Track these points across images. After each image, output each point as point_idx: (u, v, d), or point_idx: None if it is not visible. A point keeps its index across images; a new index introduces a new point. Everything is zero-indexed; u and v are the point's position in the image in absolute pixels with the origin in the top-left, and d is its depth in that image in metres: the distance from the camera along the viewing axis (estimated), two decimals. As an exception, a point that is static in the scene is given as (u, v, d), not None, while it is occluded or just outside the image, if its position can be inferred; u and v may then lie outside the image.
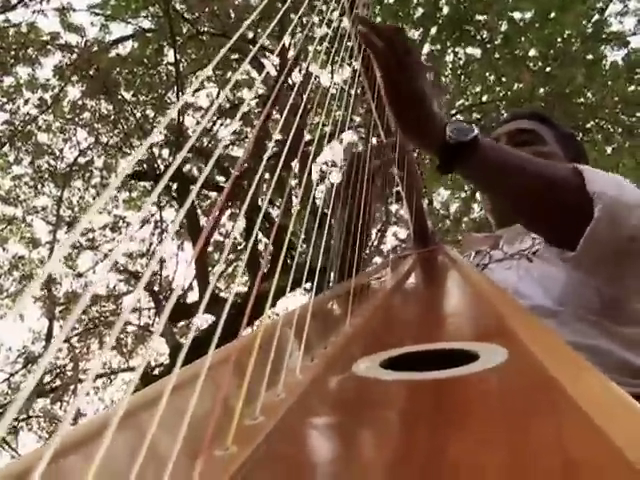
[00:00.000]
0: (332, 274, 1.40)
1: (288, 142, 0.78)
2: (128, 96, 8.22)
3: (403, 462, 0.35)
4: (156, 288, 7.91)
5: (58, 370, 8.67)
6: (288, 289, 0.80)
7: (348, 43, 1.21)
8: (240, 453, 0.39)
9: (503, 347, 0.51)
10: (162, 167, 7.34)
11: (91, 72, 7.48)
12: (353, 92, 1.36)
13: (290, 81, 6.86)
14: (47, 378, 8.68)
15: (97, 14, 7.63)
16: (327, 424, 0.45)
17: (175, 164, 0.53)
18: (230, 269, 8.45)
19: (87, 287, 9.05)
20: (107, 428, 0.32)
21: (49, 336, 8.84)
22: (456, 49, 7.16)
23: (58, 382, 8.77)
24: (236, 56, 7.15)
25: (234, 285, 8.43)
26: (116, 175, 8.67)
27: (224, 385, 0.48)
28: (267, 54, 7.21)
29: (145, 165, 7.68)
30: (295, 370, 0.53)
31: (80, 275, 8.83)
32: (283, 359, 0.52)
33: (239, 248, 7.99)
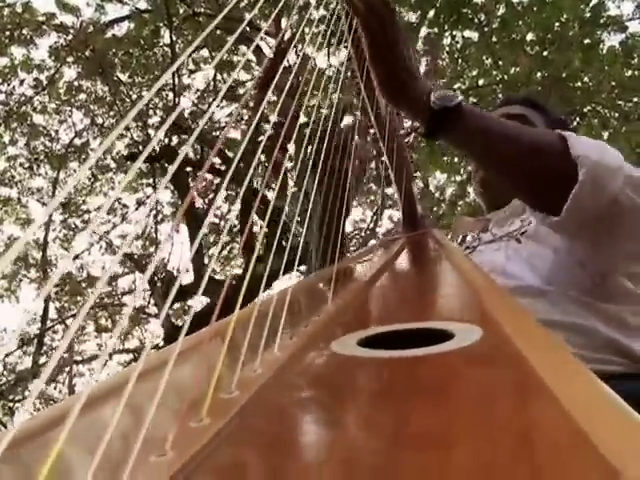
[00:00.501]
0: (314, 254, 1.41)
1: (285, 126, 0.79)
2: (124, 77, 8.21)
3: (371, 435, 0.36)
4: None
5: (53, 351, 8.68)
6: (282, 271, 0.80)
7: (342, 26, 1.22)
8: (213, 425, 0.40)
9: (479, 327, 0.52)
10: (157, 149, 7.31)
11: (87, 53, 7.45)
12: (349, 74, 1.36)
13: (286, 63, 6.84)
14: (43, 359, 8.72)
15: (93, -5, 7.60)
16: (301, 399, 0.46)
17: (180, 156, 0.54)
18: (225, 252, 8.46)
19: (82, 269, 9.06)
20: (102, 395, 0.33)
21: (44, 318, 8.86)
22: (453, 32, 7.14)
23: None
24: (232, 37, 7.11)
25: (230, 267, 8.43)
26: (112, 157, 8.66)
27: (203, 361, 0.50)
28: (264, 37, 7.18)
29: (140, 147, 7.67)
30: (274, 347, 0.54)
31: (76, 257, 8.83)
32: (262, 337, 0.53)
33: (235, 230, 7.99)
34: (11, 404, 9.03)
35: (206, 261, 7.49)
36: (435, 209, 7.95)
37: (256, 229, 6.68)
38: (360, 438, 0.37)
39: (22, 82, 8.21)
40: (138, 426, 0.36)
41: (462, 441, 0.32)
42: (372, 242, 8.61)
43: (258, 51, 7.38)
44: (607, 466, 0.26)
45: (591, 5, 6.59)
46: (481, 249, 1.43)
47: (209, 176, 7.79)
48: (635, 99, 6.68)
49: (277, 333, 0.56)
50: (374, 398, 0.42)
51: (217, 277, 7.70)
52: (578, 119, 6.94)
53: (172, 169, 0.53)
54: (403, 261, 1.21)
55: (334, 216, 1.31)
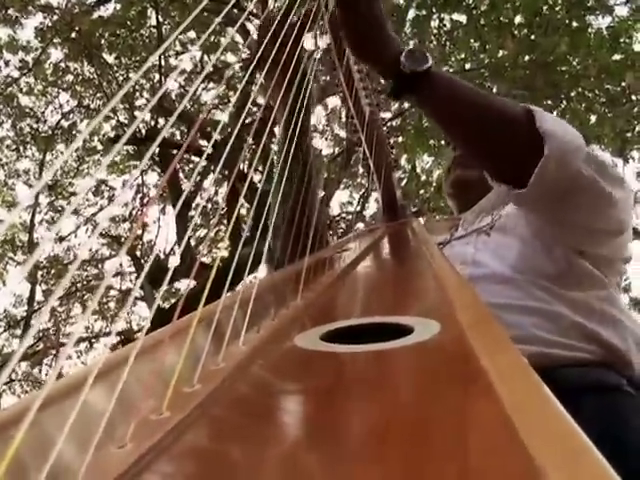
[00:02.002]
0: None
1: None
2: (111, 59, 8.16)
3: (315, 429, 0.38)
4: (138, 253, 7.92)
5: (40, 334, 8.69)
6: (264, 256, 0.81)
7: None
8: (172, 417, 0.42)
9: (438, 322, 0.54)
10: (143, 131, 7.29)
11: (73, 34, 7.40)
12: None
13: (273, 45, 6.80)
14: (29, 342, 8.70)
15: (79, -26, 7.53)
16: (260, 393, 0.48)
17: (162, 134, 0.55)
18: (211, 234, 8.47)
19: (69, 251, 9.05)
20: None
21: (31, 300, 8.85)
22: (442, 15, 7.13)
23: (40, 346, 8.80)
24: (219, 19, 7.07)
25: (217, 251, 8.43)
26: (99, 139, 8.63)
27: (167, 355, 0.51)
28: (251, 18, 7.14)
29: (126, 128, 7.64)
30: (239, 341, 0.56)
31: (62, 239, 8.81)
32: (226, 331, 0.55)
33: (221, 213, 7.99)
34: (-2, 386, 9.03)
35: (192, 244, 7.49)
36: (422, 192, 7.97)
37: (243, 212, 6.70)
38: (305, 433, 0.39)
39: (7, 63, 8.15)
40: (99, 419, 0.38)
41: (395, 440, 0.34)
42: (359, 225, 8.64)
43: (245, 33, 7.36)
44: (535, 468, 0.28)
45: (579, -12, 6.59)
46: (453, 244, 1.46)
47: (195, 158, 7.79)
48: (623, 83, 6.70)
49: (243, 326, 0.58)
50: (325, 392, 0.44)
51: (204, 260, 7.70)
52: (566, 103, 6.96)
53: (152, 148, 0.55)
54: (377, 253, 1.23)
55: (301, 204, 1.32)
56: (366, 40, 1.15)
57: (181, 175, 8.16)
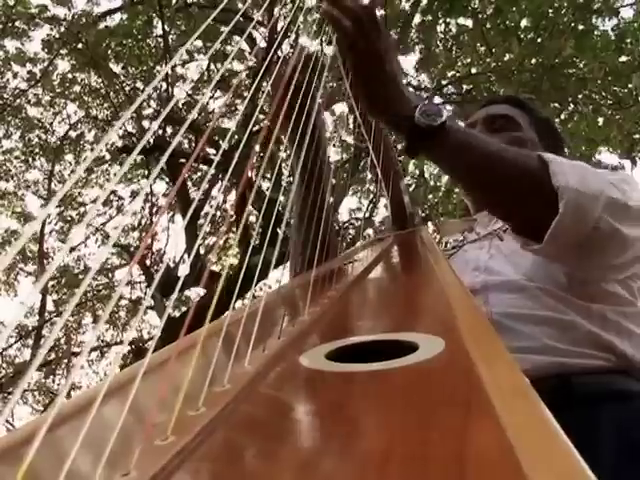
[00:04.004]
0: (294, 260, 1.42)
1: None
2: (117, 69, 8.20)
3: (319, 449, 0.38)
4: (148, 262, 7.93)
5: (52, 344, 8.71)
6: (273, 263, 0.81)
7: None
8: (177, 442, 0.42)
9: (442, 339, 0.54)
10: (151, 140, 7.31)
11: (80, 45, 7.44)
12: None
13: (280, 53, 6.83)
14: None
15: (85, -14, 7.58)
16: (265, 414, 0.48)
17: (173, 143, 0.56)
18: (221, 242, 8.47)
19: (80, 261, 9.08)
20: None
21: (42, 310, 8.88)
22: (447, 19, 7.13)
23: (53, 356, 8.83)
24: (226, 28, 7.10)
25: (226, 258, 8.44)
26: (107, 149, 8.66)
27: (172, 377, 0.51)
28: (257, 27, 7.17)
29: (135, 139, 7.67)
30: (245, 361, 0.56)
31: (73, 249, 8.85)
32: (232, 350, 0.55)
33: (230, 220, 7.99)
34: (11, 397, 9.05)
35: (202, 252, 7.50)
36: (431, 197, 7.97)
37: (252, 219, 6.71)
38: (312, 452, 0.39)
39: (16, 75, 8.21)
40: (104, 446, 0.38)
41: (396, 459, 0.34)
42: (368, 231, 8.63)
43: (251, 41, 7.38)
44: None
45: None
46: (465, 248, 1.46)
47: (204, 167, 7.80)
48: (630, 85, 6.68)
49: (249, 345, 0.58)
50: (331, 413, 0.45)
51: (213, 268, 7.71)
52: (573, 106, 6.95)
53: (163, 160, 0.55)
54: (384, 265, 1.22)
55: (315, 211, 1.32)
56: (382, 102, 1.13)
57: (189, 184, 8.18)
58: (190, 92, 8.09)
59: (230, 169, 0.73)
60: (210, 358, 0.54)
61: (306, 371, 0.53)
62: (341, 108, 7.16)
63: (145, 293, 8.20)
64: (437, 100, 6.98)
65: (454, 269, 0.92)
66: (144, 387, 0.46)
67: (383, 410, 0.42)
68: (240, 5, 6.66)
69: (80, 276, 9.04)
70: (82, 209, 9.04)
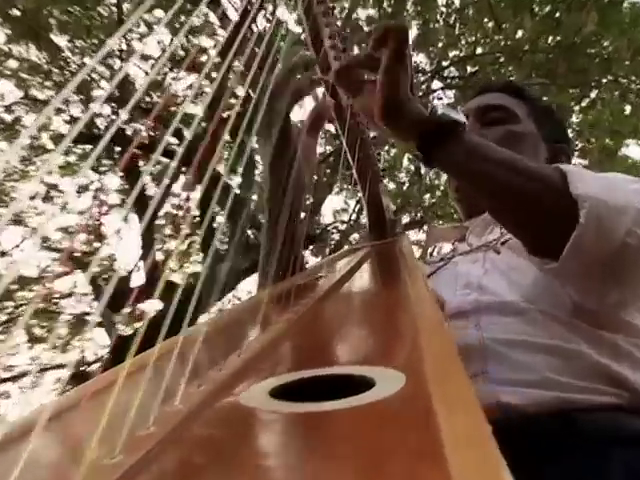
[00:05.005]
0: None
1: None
2: (62, 41, 8.15)
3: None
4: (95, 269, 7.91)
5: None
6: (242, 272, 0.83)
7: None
8: (125, 461, 0.47)
9: (403, 374, 0.55)
10: (102, 127, 7.30)
11: (16, 12, 7.40)
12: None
13: (255, 28, 6.84)
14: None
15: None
16: (194, 460, 0.50)
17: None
18: (182, 247, 8.47)
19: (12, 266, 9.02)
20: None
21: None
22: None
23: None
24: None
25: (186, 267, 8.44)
26: (49, 135, 8.62)
27: (124, 396, 0.55)
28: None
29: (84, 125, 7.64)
30: (176, 398, 0.58)
31: (4, 254, 8.80)
32: (161, 386, 0.57)
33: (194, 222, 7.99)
34: None
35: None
36: (427, 197, 8.00)
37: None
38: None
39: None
40: (51, 464, 0.41)
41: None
42: (355, 235, 8.65)
43: (222, 15, 7.38)
44: None
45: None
46: (456, 260, 1.46)
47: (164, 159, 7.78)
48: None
49: (204, 364, 0.61)
50: (266, 459, 0.46)
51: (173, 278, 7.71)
52: (597, 92, 6.98)
53: (104, 142, 0.56)
54: (352, 283, 1.23)
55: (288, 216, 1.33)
56: (401, 127, 1.15)
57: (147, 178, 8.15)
58: (149, 71, 8.07)
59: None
60: (161, 378, 0.57)
61: (245, 410, 0.55)
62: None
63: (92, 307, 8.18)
64: (436, 84, 7.01)
65: (433, 290, 0.93)
66: (94, 406, 0.50)
67: (326, 457, 0.43)
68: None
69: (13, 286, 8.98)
70: (17, 206, 8.97)
